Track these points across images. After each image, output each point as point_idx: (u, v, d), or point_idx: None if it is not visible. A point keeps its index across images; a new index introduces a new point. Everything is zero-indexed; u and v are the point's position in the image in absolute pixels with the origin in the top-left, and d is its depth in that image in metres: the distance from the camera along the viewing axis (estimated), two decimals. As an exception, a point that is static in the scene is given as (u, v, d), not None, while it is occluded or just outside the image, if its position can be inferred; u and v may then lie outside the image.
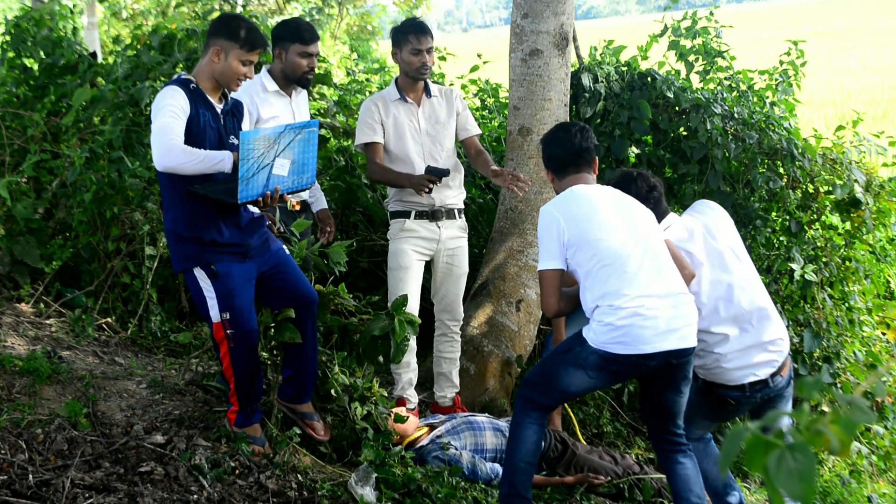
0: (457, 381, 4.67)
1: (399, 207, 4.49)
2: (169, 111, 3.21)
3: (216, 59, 3.35)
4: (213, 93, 3.39)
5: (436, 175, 4.29)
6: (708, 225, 3.65)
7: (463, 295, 4.71)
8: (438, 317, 4.63)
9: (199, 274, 3.34)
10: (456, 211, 4.58)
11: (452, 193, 4.55)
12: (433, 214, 4.47)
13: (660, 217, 3.61)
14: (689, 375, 3.31)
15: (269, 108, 4.18)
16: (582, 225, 3.28)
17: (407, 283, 4.42)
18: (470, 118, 4.65)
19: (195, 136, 3.26)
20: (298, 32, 4.22)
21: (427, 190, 4.28)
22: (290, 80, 4.27)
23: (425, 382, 4.90)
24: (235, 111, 3.50)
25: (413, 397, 4.55)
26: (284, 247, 3.60)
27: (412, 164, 4.42)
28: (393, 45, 4.45)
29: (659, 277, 3.22)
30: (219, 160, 3.21)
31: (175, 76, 3.42)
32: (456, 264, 4.58)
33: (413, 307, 4.30)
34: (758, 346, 3.49)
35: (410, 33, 4.36)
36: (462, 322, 4.71)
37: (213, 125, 3.34)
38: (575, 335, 3.36)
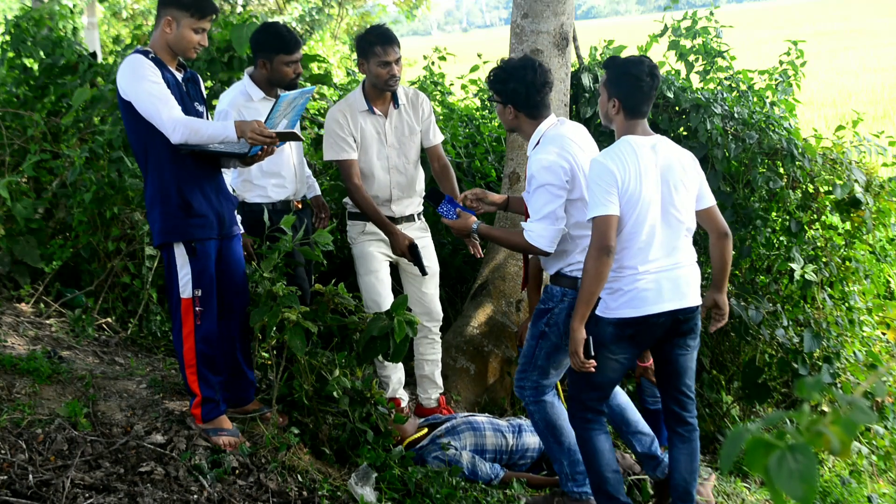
0: (440, 381, 4.57)
1: (357, 210, 4.34)
2: (151, 78, 3.23)
3: (168, 29, 3.34)
4: (170, 63, 3.40)
5: (416, 261, 4.23)
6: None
7: (439, 294, 4.58)
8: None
9: (179, 250, 3.35)
10: (414, 215, 4.46)
11: (412, 202, 4.44)
12: (392, 221, 4.32)
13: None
14: (696, 331, 3.46)
15: (259, 116, 3.98)
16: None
17: (379, 286, 4.33)
18: (434, 125, 4.44)
19: None
20: (283, 43, 4.06)
21: (398, 253, 4.27)
22: (276, 86, 4.16)
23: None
24: (194, 80, 3.52)
25: (405, 396, 4.52)
26: (241, 241, 3.67)
27: (374, 179, 4.30)
28: (359, 56, 4.18)
29: (668, 252, 3.31)
30: (224, 131, 3.23)
31: (133, 49, 3.41)
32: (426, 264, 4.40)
33: (386, 307, 4.13)
34: None
35: (377, 44, 4.11)
36: (441, 322, 4.58)
37: (177, 92, 3.35)
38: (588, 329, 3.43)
